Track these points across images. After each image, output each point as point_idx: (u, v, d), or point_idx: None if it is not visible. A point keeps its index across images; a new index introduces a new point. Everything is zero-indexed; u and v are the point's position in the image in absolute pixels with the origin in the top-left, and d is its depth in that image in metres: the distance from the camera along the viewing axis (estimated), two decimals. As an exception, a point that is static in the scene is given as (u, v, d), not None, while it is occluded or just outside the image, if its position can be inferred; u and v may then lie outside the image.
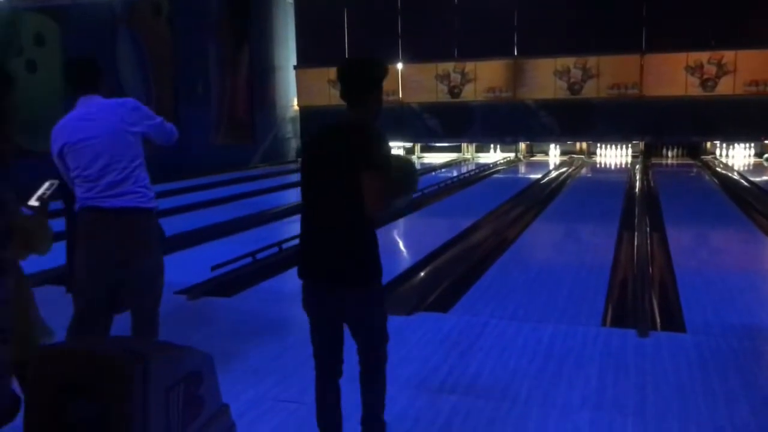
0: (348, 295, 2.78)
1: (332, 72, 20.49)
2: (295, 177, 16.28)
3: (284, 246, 7.36)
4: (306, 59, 20.74)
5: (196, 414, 2.28)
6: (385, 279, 5.74)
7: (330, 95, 20.56)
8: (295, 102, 21.04)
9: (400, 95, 19.81)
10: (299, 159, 20.36)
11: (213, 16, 17.21)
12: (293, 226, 9.03)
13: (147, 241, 3.57)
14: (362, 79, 2.84)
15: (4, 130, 1.85)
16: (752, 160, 18.19)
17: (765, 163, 17.69)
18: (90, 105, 3.54)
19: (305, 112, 20.86)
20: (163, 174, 11.32)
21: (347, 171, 2.66)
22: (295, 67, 20.86)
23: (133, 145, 3.56)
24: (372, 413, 3.01)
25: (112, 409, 2.00)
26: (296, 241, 7.81)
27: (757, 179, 14.25)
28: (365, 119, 2.82)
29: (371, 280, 2.81)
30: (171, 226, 5.30)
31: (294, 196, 13.12)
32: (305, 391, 3.79)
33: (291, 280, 6.45)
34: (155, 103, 15.13)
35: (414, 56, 19.50)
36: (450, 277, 6.38)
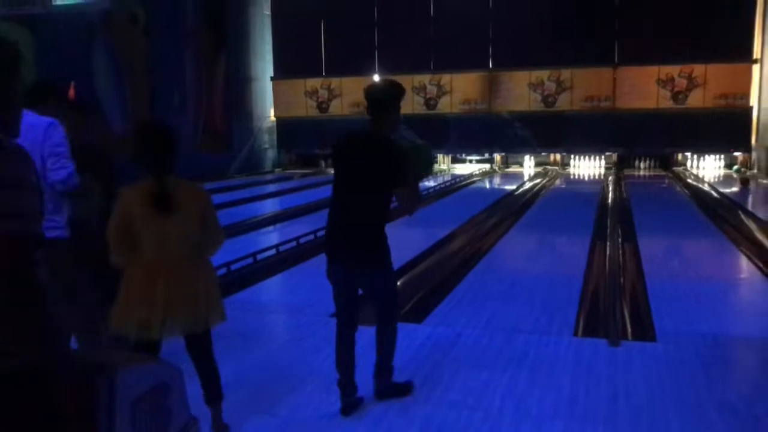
0: (366, 273, 3.59)
1: (309, 83, 20.60)
2: (271, 188, 16.24)
3: (259, 257, 7.32)
4: (283, 70, 20.76)
5: (164, 427, 2.25)
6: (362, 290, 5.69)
7: (307, 106, 20.60)
8: (272, 113, 21.02)
9: (377, 106, 19.86)
10: (276, 169, 20.38)
11: (189, 27, 17.15)
12: (268, 237, 9.04)
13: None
14: (385, 98, 3.58)
15: (14, 113, 1.81)
16: (722, 171, 18.48)
17: (734, 175, 17.99)
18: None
19: (282, 123, 20.85)
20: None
21: (378, 183, 3.50)
22: (272, 79, 20.86)
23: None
24: (383, 360, 3.77)
25: (77, 423, 1.97)
26: (271, 252, 7.78)
27: (727, 190, 14.49)
28: (386, 132, 3.57)
29: (383, 263, 3.60)
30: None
31: (269, 206, 13.08)
32: (276, 403, 3.78)
33: (265, 292, 6.45)
34: (131, 113, 15.01)
35: (390, 68, 19.59)
36: (425, 287, 6.39)
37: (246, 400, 3.80)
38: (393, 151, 3.54)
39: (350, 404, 3.68)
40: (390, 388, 3.82)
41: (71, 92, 14.13)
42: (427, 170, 4.01)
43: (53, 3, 11.42)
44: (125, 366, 2.15)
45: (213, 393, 3.35)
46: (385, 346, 3.76)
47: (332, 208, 3.65)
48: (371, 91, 3.62)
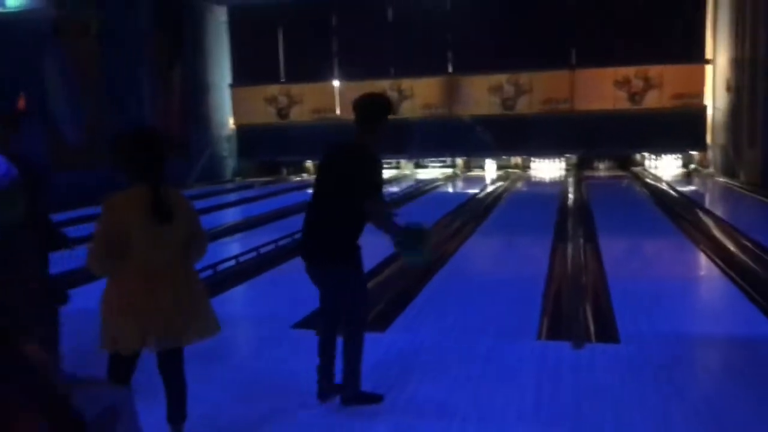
0: (329, 273, 3.70)
1: (268, 90, 20.42)
2: (232, 197, 16.04)
3: (219, 268, 7.18)
4: (241, 77, 20.53)
5: (114, 452, 2.15)
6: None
7: (266, 113, 20.41)
8: (231, 120, 20.78)
9: (338, 112, 19.81)
10: (236, 178, 20.14)
11: (144, 34, 16.86)
12: (228, 248, 8.87)
13: None
14: (373, 111, 3.70)
15: None
16: (680, 170, 18.80)
17: (692, 174, 18.33)
18: None
19: (241, 130, 20.61)
20: (92, 197, 10.97)
21: (345, 189, 3.60)
22: (231, 86, 20.63)
23: None
24: (346, 365, 3.77)
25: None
26: (231, 263, 7.64)
27: (685, 189, 14.75)
28: (370, 144, 3.69)
29: (344, 265, 3.67)
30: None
31: (230, 216, 12.90)
32: (239, 419, 3.67)
33: (226, 304, 6.29)
34: (85, 122, 14.69)
35: (350, 74, 19.54)
36: (388, 294, 6.33)
37: (206, 417, 3.68)
38: (366, 161, 3.62)
39: (325, 390, 3.81)
40: (357, 396, 3.77)
41: (21, 103, 13.75)
42: (420, 257, 3.85)
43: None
44: (70, 391, 2.04)
45: (178, 412, 3.24)
46: (347, 351, 3.76)
47: (306, 211, 3.81)
48: (361, 104, 3.72)
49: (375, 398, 3.81)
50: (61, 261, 4.22)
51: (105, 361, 3.18)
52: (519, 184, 17.03)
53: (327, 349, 3.86)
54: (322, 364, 3.85)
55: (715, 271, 7.12)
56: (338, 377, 3.84)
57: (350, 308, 3.76)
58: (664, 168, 18.96)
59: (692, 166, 18.70)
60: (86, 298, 4.58)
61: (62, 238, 3.91)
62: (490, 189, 15.64)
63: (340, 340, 3.84)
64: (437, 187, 17.04)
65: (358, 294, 3.80)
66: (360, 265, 3.76)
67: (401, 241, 3.69)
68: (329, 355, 3.85)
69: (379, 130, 3.70)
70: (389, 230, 3.70)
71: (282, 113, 20.36)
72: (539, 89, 18.82)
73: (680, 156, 19.05)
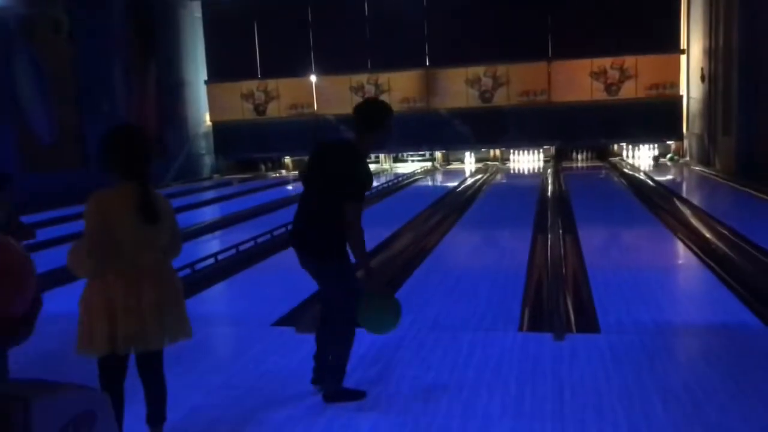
0: (314, 267, 3.71)
1: (245, 86, 20.26)
2: (210, 194, 15.90)
3: (197, 267, 7.11)
4: (217, 74, 20.36)
5: (90, 458, 2.10)
6: (303, 296, 5.61)
7: (243, 110, 20.26)
8: (208, 117, 20.60)
9: (315, 107, 19.72)
10: (214, 175, 19.98)
11: (116, 31, 16.64)
12: (206, 246, 8.79)
13: None
14: (374, 119, 3.70)
15: None
16: (658, 160, 18.94)
17: (669, 163, 18.50)
18: None
19: (218, 127, 20.45)
20: (69, 196, 10.82)
21: (331, 186, 3.59)
22: (206, 82, 20.45)
23: None
24: (323, 360, 3.81)
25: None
26: (210, 261, 7.57)
27: (662, 178, 14.87)
28: (367, 147, 3.71)
29: (327, 260, 3.66)
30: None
31: (209, 214, 12.79)
32: (217, 421, 3.63)
33: (205, 303, 6.24)
34: (57, 121, 14.47)
35: (327, 69, 19.45)
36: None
37: (185, 417, 3.64)
38: (357, 162, 3.61)
39: (318, 378, 3.84)
40: (339, 393, 3.74)
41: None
42: (381, 327, 3.78)
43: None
44: (41, 396, 1.98)
45: (157, 414, 3.20)
46: (332, 348, 3.75)
47: (298, 202, 3.80)
48: (363, 109, 3.73)
49: (357, 395, 3.78)
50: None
51: (84, 366, 3.13)
52: (498, 177, 17.07)
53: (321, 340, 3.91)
54: (317, 354, 3.89)
55: (693, 260, 7.18)
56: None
57: (340, 305, 3.69)
58: (641, 158, 19.11)
59: (674, 155, 18.83)
60: (69, 299, 4.51)
61: (26, 228, 3.84)
62: (469, 182, 15.67)
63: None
64: (416, 180, 17.03)
65: (349, 290, 3.72)
66: (350, 262, 3.74)
67: (364, 308, 3.61)
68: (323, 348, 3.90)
69: (379, 134, 3.70)
70: (361, 258, 3.68)
71: (259, 109, 20.23)
72: (516, 81, 18.88)
73: (656, 146, 19.21)
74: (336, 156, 3.70)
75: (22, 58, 13.82)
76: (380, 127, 3.70)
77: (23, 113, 13.52)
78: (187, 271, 6.86)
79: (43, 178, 13.21)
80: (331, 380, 3.75)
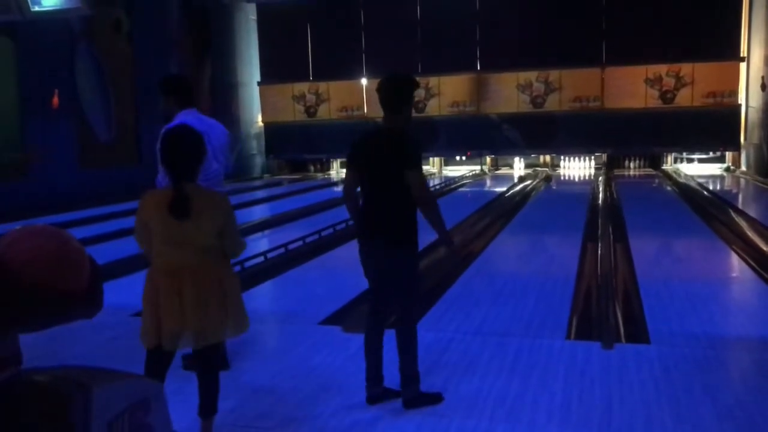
0: (384, 253, 3.59)
1: (296, 88, 20.49)
2: (260, 193, 16.13)
3: (246, 264, 7.22)
4: (270, 75, 20.65)
5: (145, 444, 2.16)
6: (350, 296, 5.65)
7: (294, 111, 20.50)
8: (260, 118, 20.91)
9: (365, 110, 19.83)
10: (265, 175, 20.26)
11: (174, 32, 17.03)
12: (256, 244, 8.92)
13: None
14: (398, 91, 3.60)
15: None
16: (713, 170, 18.48)
17: (725, 173, 18.02)
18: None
19: (270, 128, 20.74)
20: (130, 193, 11.10)
21: (393, 168, 3.50)
22: (259, 84, 20.75)
23: None
24: (402, 364, 3.64)
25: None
26: (260, 259, 7.68)
27: (717, 189, 14.50)
28: (400, 125, 3.60)
29: (403, 245, 3.59)
30: (132, 246, 5.16)
31: (258, 213, 12.98)
32: (265, 415, 3.69)
33: (254, 300, 6.30)
34: (115, 120, 14.88)
35: (378, 72, 19.50)
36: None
37: (233, 411, 3.71)
38: (403, 137, 3.54)
39: (373, 396, 3.72)
40: (419, 397, 3.67)
41: (55, 100, 14.07)
42: None
43: (31, 9, 11.24)
44: (101, 383, 2.06)
45: (208, 406, 3.27)
46: (403, 347, 3.65)
47: (362, 197, 3.74)
48: (385, 86, 3.63)
49: (436, 398, 3.74)
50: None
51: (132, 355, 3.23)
52: (548, 183, 16.89)
53: (373, 347, 3.73)
54: (369, 366, 3.73)
55: (748, 272, 6.99)
56: (386, 380, 3.78)
57: (404, 299, 3.64)
58: (696, 167, 18.67)
59: (726, 165, 18.36)
60: (122, 291, 4.65)
61: None
62: (518, 188, 15.54)
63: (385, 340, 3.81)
64: (465, 184, 16.97)
65: (415, 282, 3.68)
66: (418, 253, 3.70)
67: None
68: (376, 356, 3.73)
69: (406, 110, 3.62)
70: (439, 225, 3.66)
71: (310, 111, 20.43)
72: (569, 87, 18.64)
73: (713, 155, 18.74)
74: (380, 140, 3.64)
75: (84, 57, 14.27)
76: (406, 105, 3.63)
77: (84, 111, 13.95)
78: (237, 268, 6.98)
79: (100, 174, 13.60)
80: (412, 384, 3.65)
